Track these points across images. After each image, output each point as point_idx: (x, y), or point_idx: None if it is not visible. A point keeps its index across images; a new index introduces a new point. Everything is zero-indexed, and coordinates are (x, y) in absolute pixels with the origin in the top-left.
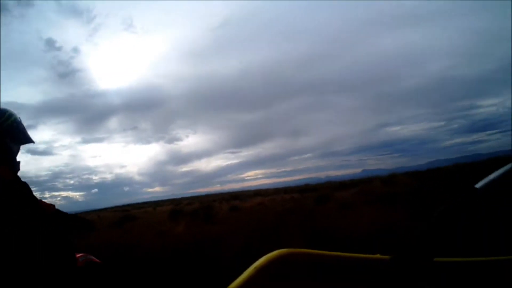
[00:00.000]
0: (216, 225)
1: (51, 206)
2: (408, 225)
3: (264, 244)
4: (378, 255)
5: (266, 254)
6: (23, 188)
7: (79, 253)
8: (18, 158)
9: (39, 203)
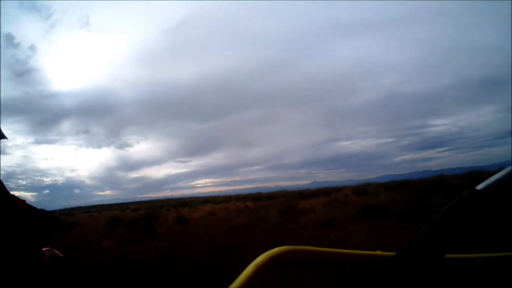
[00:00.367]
0: (156, 241)
1: (22, 201)
2: None
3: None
4: (379, 252)
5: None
6: None
7: (44, 247)
8: None
9: (11, 197)
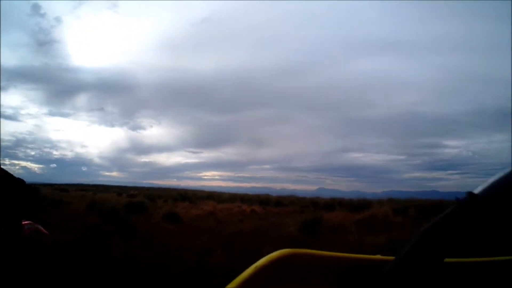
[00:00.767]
0: (126, 242)
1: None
2: None
3: None
4: (378, 256)
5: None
6: None
7: (26, 220)
8: None
9: None
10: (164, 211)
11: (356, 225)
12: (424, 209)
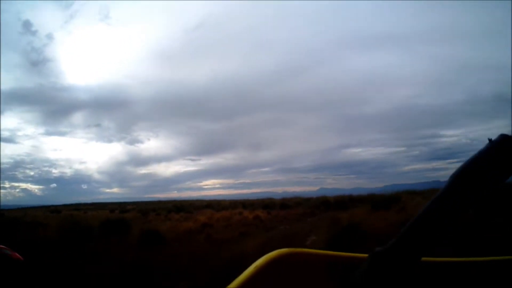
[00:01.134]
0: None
1: None
2: None
3: None
4: None
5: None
6: None
7: None
8: None
9: None
10: (144, 228)
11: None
12: None
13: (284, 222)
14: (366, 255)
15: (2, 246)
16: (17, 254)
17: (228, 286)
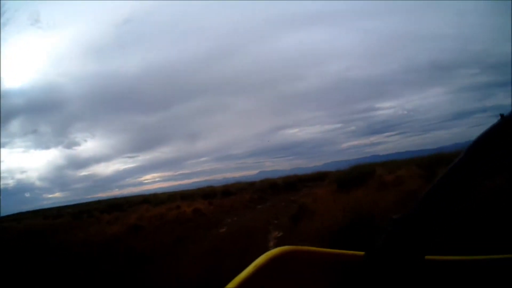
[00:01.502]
0: None
1: None
2: None
3: None
4: None
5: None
6: None
7: None
8: None
9: None
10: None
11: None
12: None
13: (231, 213)
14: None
15: None
16: None
17: (228, 286)
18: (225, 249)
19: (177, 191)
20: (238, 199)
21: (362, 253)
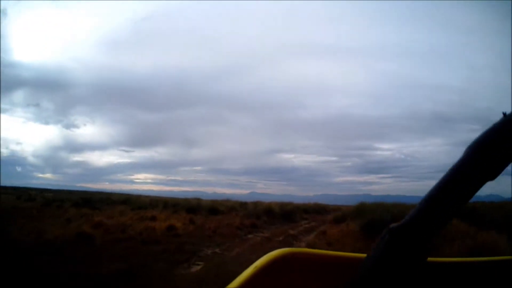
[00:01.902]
0: None
1: None
2: None
3: None
4: None
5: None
6: None
7: None
8: None
9: None
10: None
11: None
12: None
13: (214, 240)
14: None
15: None
16: None
17: (228, 286)
18: None
19: (164, 197)
20: (225, 222)
21: (363, 255)
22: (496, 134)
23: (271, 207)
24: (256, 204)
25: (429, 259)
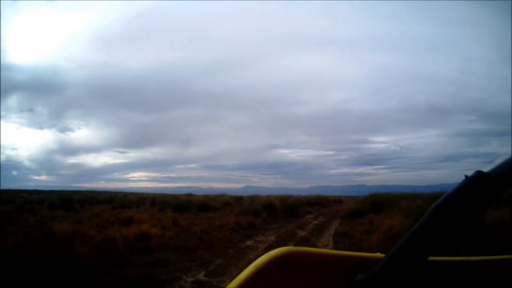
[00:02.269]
0: None
1: None
2: None
3: None
4: (379, 254)
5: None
6: None
7: None
8: None
9: None
10: None
11: None
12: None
13: (199, 254)
14: (369, 254)
15: None
16: None
17: (228, 286)
18: None
19: (155, 194)
20: (217, 222)
21: (364, 254)
22: (457, 198)
23: (271, 201)
24: (252, 198)
25: (429, 258)
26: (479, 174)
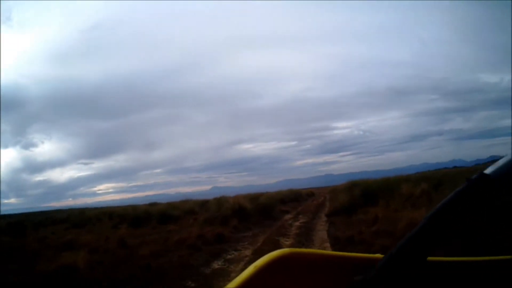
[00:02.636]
0: None
1: None
2: None
3: None
4: (378, 255)
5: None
6: None
7: None
8: None
9: None
10: None
11: None
12: None
13: None
14: (368, 255)
15: None
16: None
17: (227, 286)
18: None
19: (117, 207)
20: (176, 236)
21: (364, 255)
22: (459, 201)
23: (240, 203)
24: (219, 201)
25: (429, 258)
26: (480, 175)
